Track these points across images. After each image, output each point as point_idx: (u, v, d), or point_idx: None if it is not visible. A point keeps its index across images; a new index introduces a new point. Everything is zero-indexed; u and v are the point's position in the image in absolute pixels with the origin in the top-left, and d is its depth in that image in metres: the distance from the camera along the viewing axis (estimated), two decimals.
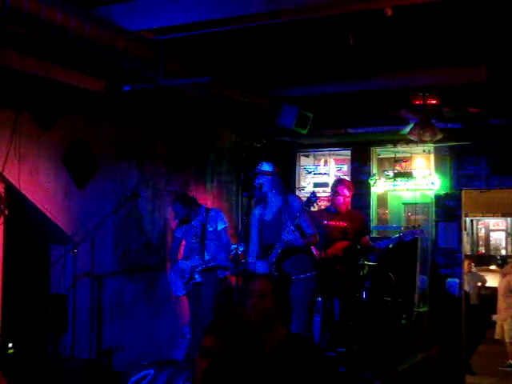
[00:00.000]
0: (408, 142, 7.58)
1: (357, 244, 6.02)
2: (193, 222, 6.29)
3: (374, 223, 8.27)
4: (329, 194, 8.50)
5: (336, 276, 5.82)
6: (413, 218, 7.96)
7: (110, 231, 6.39)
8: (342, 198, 6.07)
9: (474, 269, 10.75)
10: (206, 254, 6.17)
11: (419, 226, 6.86)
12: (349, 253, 5.98)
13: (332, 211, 6.17)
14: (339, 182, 6.36)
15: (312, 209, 5.39)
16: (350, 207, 6.26)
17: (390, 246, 6.24)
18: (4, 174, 5.28)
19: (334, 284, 5.77)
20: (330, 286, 5.81)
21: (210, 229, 6.19)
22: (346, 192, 6.10)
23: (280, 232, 5.06)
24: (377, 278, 6.57)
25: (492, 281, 10.92)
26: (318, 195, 5.30)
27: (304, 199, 5.29)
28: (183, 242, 6.49)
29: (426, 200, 8.05)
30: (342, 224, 6.05)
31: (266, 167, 5.24)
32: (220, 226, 6.21)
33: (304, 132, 7.08)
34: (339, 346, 5.70)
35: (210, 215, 6.23)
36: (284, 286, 5.05)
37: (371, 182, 8.20)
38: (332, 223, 6.00)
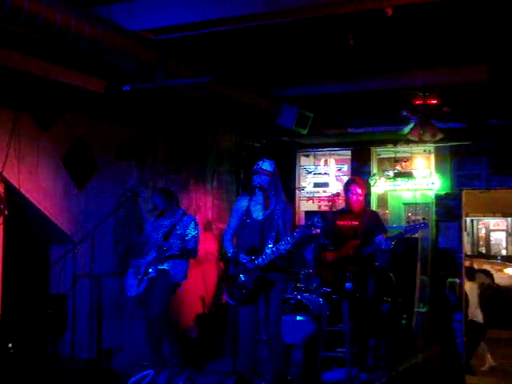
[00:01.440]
0: (408, 141, 7.58)
1: (368, 243, 5.93)
2: (165, 221, 6.00)
3: None
4: (330, 194, 8.61)
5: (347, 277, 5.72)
6: (413, 218, 7.94)
7: (110, 231, 6.39)
8: (354, 197, 6.10)
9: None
10: (164, 247, 5.82)
11: (424, 218, 6.83)
12: (360, 252, 5.94)
13: (345, 211, 6.22)
14: (352, 181, 6.36)
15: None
16: (363, 206, 6.24)
17: (392, 243, 6.18)
18: (4, 174, 5.27)
19: (348, 287, 5.68)
20: (343, 288, 5.74)
21: (178, 232, 5.88)
22: (359, 190, 6.11)
23: (268, 237, 4.94)
24: (377, 278, 6.56)
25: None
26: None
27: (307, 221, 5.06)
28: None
29: (427, 200, 8.05)
30: (354, 223, 6.03)
31: (266, 165, 5.09)
32: (190, 233, 5.88)
33: (304, 132, 7.09)
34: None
35: (183, 219, 5.94)
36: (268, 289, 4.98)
37: (371, 182, 8.20)
38: (343, 223, 6.02)
